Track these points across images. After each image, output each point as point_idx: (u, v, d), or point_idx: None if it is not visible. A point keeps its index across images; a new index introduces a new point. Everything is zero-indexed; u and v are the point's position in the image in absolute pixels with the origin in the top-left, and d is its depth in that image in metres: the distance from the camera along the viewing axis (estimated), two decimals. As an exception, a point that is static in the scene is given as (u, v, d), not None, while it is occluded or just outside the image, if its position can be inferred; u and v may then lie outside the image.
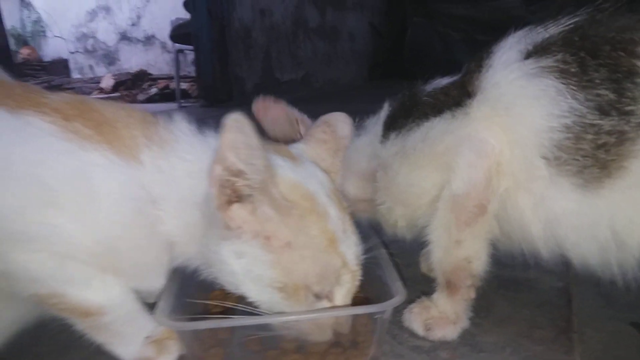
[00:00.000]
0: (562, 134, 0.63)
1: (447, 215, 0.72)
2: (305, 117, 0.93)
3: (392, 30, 5.65)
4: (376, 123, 0.86)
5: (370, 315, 0.69)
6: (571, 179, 0.64)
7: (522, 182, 0.68)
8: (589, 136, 0.62)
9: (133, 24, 6.32)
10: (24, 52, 6.61)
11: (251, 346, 0.72)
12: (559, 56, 0.65)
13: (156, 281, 0.72)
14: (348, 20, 5.33)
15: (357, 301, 0.70)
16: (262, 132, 0.86)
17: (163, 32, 5.33)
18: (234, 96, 3.94)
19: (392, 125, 0.80)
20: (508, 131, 0.68)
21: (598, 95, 0.62)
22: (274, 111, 0.92)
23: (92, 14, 6.61)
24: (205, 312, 0.77)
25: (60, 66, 6.71)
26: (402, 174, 0.78)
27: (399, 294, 0.68)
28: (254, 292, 0.65)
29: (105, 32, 6.60)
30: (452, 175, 0.71)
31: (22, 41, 6.97)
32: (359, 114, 0.90)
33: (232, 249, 0.64)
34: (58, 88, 4.48)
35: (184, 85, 4.43)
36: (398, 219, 0.82)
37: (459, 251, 0.73)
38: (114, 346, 0.70)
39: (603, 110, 0.61)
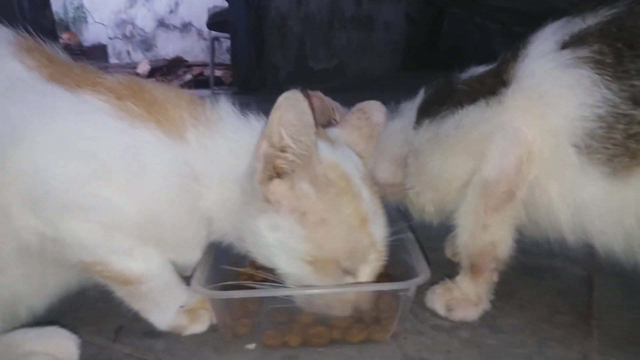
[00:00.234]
0: (595, 123, 0.64)
1: (477, 201, 0.74)
2: (338, 105, 0.96)
3: (428, 20, 5.56)
4: (410, 109, 0.87)
5: (394, 293, 0.72)
6: (601, 167, 0.65)
7: (553, 170, 0.69)
8: (621, 126, 0.63)
9: (171, 11, 6.42)
10: (65, 37, 6.77)
11: (278, 317, 0.76)
12: (596, 47, 0.66)
13: (193, 254, 0.76)
14: (384, 10, 5.27)
15: (380, 280, 0.72)
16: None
17: (200, 19, 5.39)
18: (267, 84, 3.97)
19: (426, 112, 0.82)
20: (541, 120, 0.69)
21: (632, 85, 0.62)
22: (312, 99, 0.95)
23: (132, 1, 6.74)
24: (237, 287, 0.82)
25: (99, 51, 6.88)
26: (434, 160, 0.79)
27: (423, 273, 0.70)
28: (285, 264, 0.69)
29: (144, 19, 6.72)
30: (483, 162, 0.73)
31: (64, 26, 7.15)
32: (391, 103, 0.92)
33: (269, 222, 0.67)
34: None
35: (218, 73, 4.47)
36: (426, 203, 0.84)
37: (485, 235, 0.74)
38: (150, 314, 0.75)
39: (636, 101, 0.62)
